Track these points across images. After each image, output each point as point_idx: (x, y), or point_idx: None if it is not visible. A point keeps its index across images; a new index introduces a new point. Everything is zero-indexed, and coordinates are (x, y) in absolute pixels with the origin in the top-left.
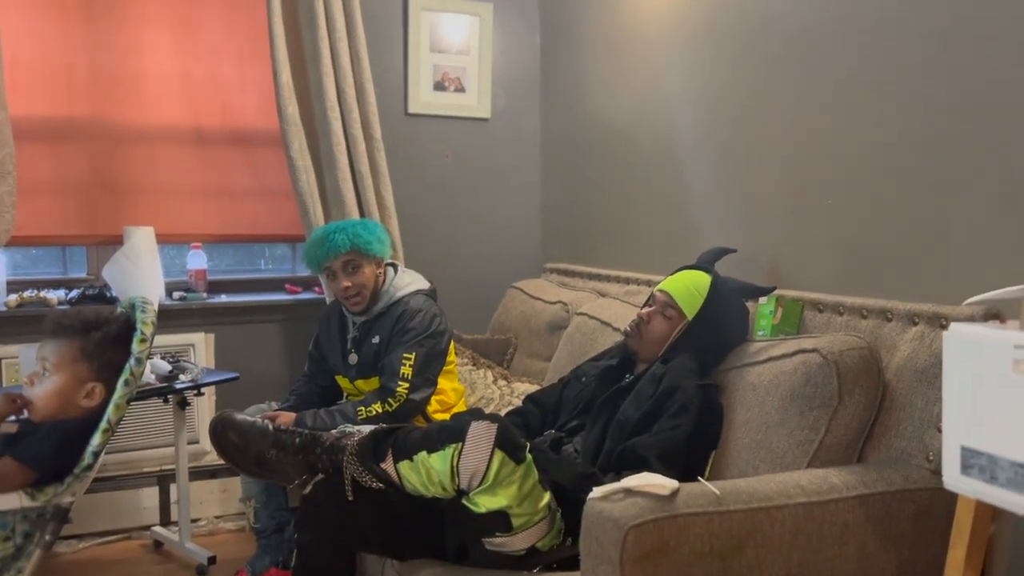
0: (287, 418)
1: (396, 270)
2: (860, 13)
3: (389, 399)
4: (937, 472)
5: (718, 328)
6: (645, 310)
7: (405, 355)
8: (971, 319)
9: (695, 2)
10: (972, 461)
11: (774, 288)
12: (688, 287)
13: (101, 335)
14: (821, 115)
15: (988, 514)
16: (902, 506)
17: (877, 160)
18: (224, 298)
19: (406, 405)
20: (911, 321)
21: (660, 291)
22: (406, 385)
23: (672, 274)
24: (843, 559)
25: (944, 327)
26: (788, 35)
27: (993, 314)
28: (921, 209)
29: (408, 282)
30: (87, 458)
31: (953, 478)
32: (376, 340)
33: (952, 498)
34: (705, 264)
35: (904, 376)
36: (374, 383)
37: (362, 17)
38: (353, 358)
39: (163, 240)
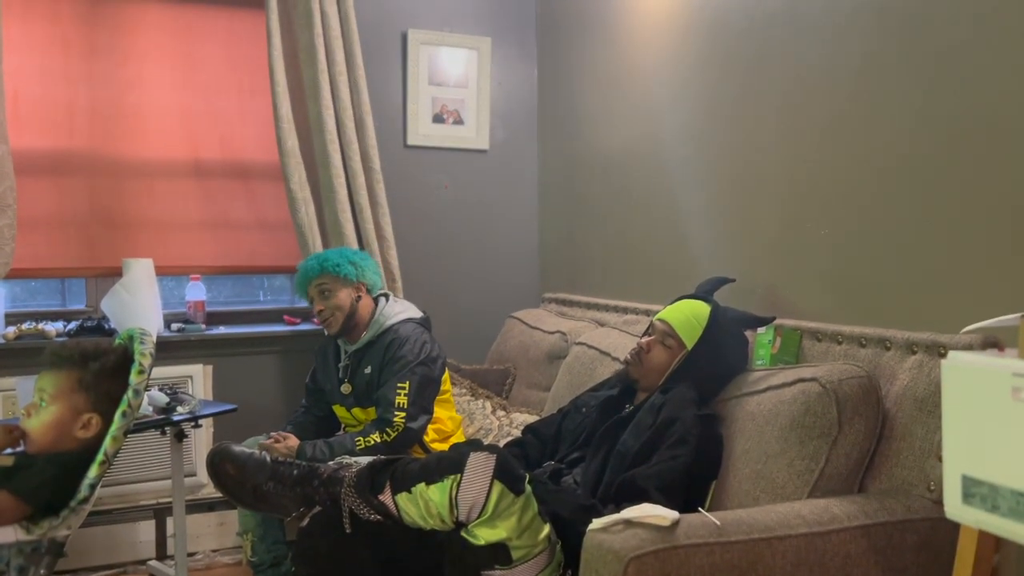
0: (292, 442)
1: (387, 299)
2: (853, 47)
3: (387, 429)
4: (939, 502)
5: (717, 358)
6: (645, 339)
7: (399, 384)
8: (969, 347)
9: (690, 35)
10: (973, 490)
11: (773, 318)
12: (688, 316)
13: (99, 366)
14: (816, 145)
15: (991, 544)
16: (904, 536)
17: (873, 189)
18: (223, 329)
19: (404, 434)
20: (910, 350)
21: (660, 320)
22: (403, 415)
23: (672, 303)
24: None
25: (943, 355)
26: (781, 68)
27: (991, 342)
28: (918, 238)
29: (399, 311)
30: (83, 491)
31: (954, 508)
32: (368, 370)
33: (955, 528)
34: (704, 294)
35: (904, 405)
36: (371, 412)
37: (361, 51)
38: (347, 388)
39: (162, 272)
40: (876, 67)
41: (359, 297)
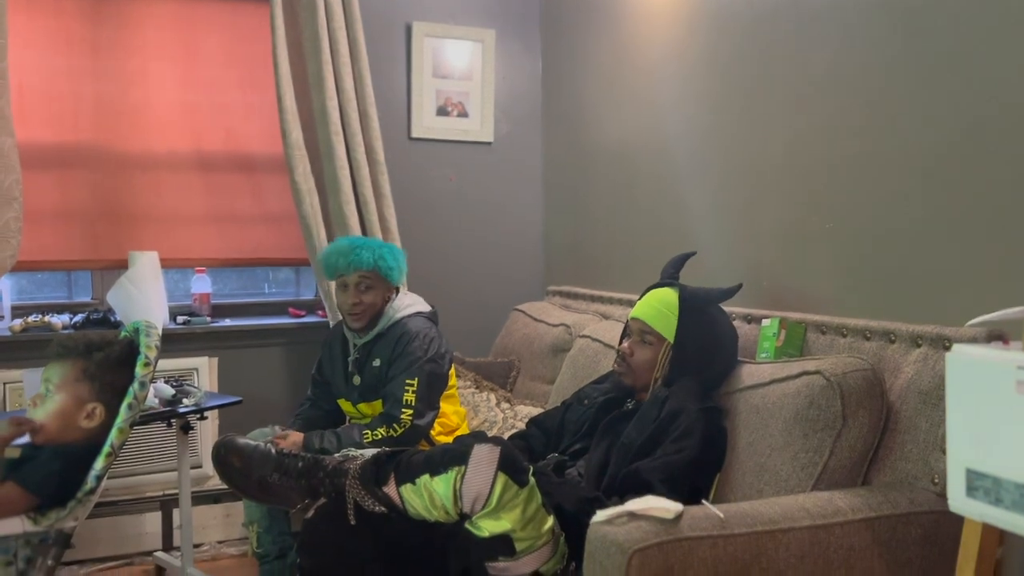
0: (296, 438)
1: (397, 292)
2: (859, 39)
3: (394, 424)
4: (943, 495)
5: (705, 342)
6: (625, 343)
7: (407, 381)
8: (974, 340)
9: (694, 27)
10: (977, 483)
11: (740, 286)
12: (657, 308)
13: (103, 356)
14: (821, 138)
15: (995, 537)
16: (908, 529)
17: (878, 183)
18: (228, 322)
19: (411, 431)
20: (914, 343)
21: (632, 319)
22: (410, 412)
23: (640, 297)
24: None
25: (947, 348)
26: (786, 61)
27: (996, 335)
28: (923, 231)
29: (408, 304)
30: (90, 482)
31: (958, 501)
32: (377, 363)
33: (958, 521)
34: (669, 279)
35: (908, 398)
36: (377, 406)
37: (365, 43)
38: (356, 379)
39: (167, 264)
40: (882, 60)
41: (388, 297)
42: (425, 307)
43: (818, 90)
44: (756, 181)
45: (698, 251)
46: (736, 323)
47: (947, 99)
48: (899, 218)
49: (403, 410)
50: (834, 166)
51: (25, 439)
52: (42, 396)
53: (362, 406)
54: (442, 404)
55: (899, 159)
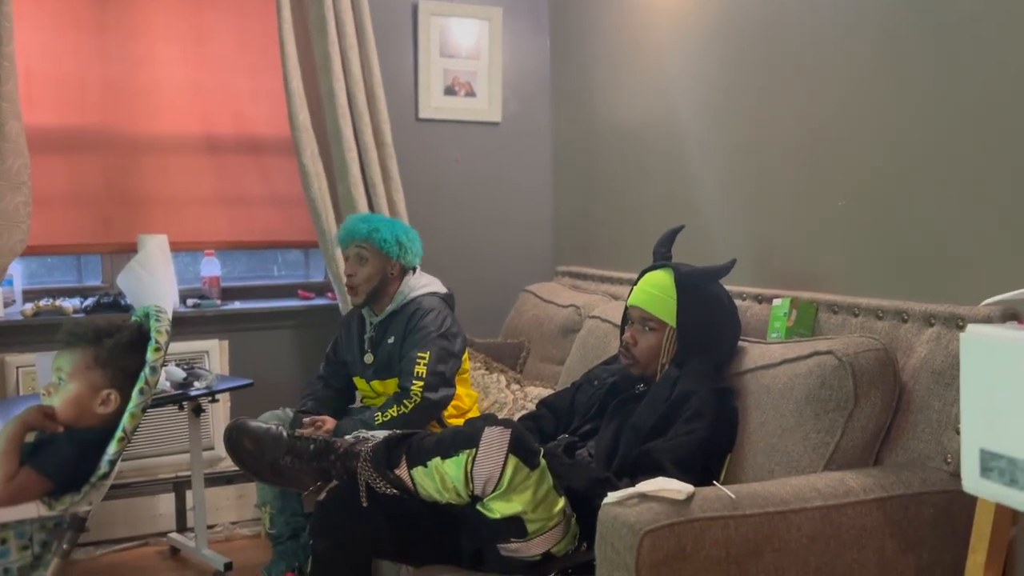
0: (330, 426)
1: (414, 272)
2: (870, 12)
3: (405, 400)
4: (956, 474)
5: (707, 319)
6: (627, 333)
7: (419, 354)
8: (988, 320)
9: (706, 4)
10: (991, 464)
11: (734, 261)
12: (653, 294)
13: (113, 342)
14: (832, 115)
15: (1008, 517)
16: (921, 509)
17: (890, 160)
18: (238, 305)
19: (422, 405)
20: (927, 322)
21: (631, 307)
22: (420, 384)
23: (635, 283)
24: (861, 563)
25: (961, 328)
26: (797, 36)
27: (1011, 315)
28: (937, 209)
29: (424, 284)
30: (103, 466)
31: (972, 481)
32: (391, 340)
33: (972, 501)
34: (662, 260)
35: (921, 378)
36: (391, 384)
37: (372, 23)
38: (369, 358)
39: (177, 248)
40: (894, 36)
41: (392, 274)
42: (441, 288)
43: (830, 67)
44: (767, 160)
45: (709, 231)
46: (747, 303)
47: (962, 75)
48: (912, 196)
49: (414, 382)
50: (846, 144)
51: None
52: (55, 385)
53: (375, 383)
54: (457, 386)
55: (912, 136)
